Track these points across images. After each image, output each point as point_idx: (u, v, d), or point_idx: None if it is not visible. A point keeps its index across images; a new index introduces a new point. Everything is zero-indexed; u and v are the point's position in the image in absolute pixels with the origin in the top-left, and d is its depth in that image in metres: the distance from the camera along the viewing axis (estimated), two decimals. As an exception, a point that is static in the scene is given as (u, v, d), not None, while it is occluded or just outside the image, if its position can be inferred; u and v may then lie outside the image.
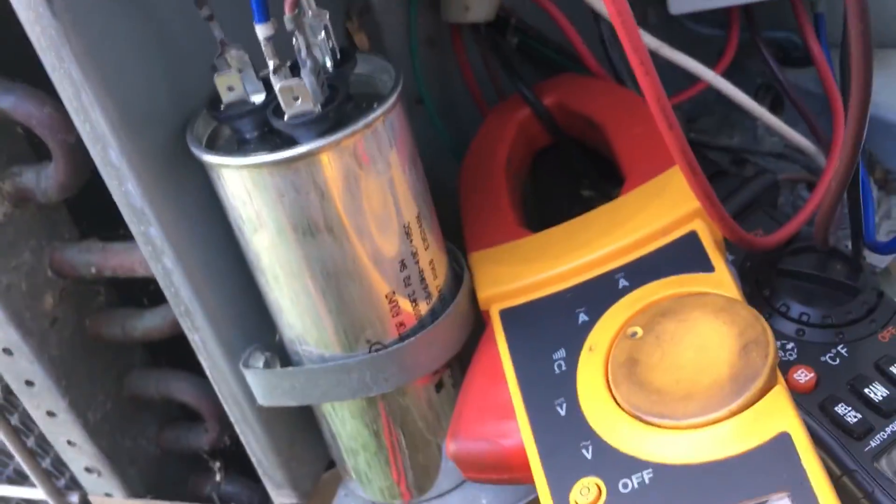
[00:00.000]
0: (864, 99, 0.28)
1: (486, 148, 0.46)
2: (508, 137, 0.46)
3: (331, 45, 0.34)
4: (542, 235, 0.39)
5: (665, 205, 0.37)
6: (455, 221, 0.44)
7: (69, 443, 0.44)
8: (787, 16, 0.50)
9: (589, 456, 0.30)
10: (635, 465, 0.29)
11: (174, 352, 0.46)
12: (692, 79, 0.48)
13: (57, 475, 0.48)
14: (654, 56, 0.45)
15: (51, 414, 0.43)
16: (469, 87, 0.51)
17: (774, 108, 0.55)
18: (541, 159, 0.50)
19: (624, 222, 0.37)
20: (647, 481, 0.28)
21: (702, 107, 0.58)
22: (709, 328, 0.31)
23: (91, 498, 0.47)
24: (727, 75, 0.51)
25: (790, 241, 0.40)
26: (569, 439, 0.31)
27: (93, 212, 0.42)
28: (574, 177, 0.52)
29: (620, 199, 0.39)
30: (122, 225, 0.38)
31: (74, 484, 0.48)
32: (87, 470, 0.46)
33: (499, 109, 0.49)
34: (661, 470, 0.28)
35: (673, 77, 0.46)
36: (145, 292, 0.42)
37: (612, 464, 0.30)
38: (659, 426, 0.30)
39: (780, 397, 0.29)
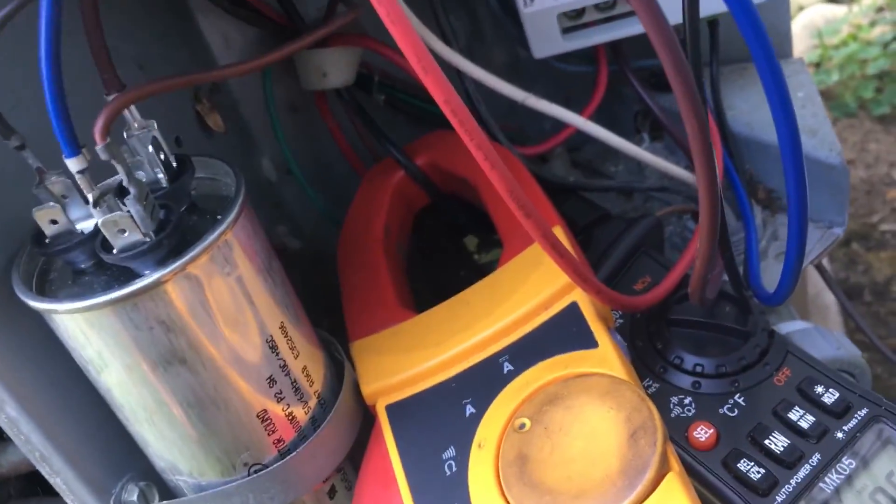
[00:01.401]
0: (711, 178, 0.27)
1: (362, 220, 0.44)
2: (384, 205, 0.44)
3: (162, 158, 0.31)
4: (424, 317, 0.38)
5: (543, 276, 0.35)
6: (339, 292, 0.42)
7: None
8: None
9: (487, 570, 0.29)
10: (532, 581, 0.27)
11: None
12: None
13: None
14: (523, 106, 0.44)
15: (-83, 571, 0.39)
16: (342, 151, 0.49)
17: (654, 133, 0.54)
18: (420, 217, 0.48)
19: (504, 299, 0.35)
20: None
21: (582, 136, 0.57)
22: (596, 415, 0.30)
23: None
24: (604, 106, 0.50)
25: (677, 289, 0.39)
26: (465, 552, 0.30)
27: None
28: (456, 228, 0.51)
29: (500, 272, 0.37)
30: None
31: None
32: None
33: (371, 175, 0.47)
34: (559, 586, 0.27)
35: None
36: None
37: (510, 579, 0.28)
38: (553, 532, 0.28)
39: (673, 485, 0.28)
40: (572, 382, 0.32)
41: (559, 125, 0.48)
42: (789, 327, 0.42)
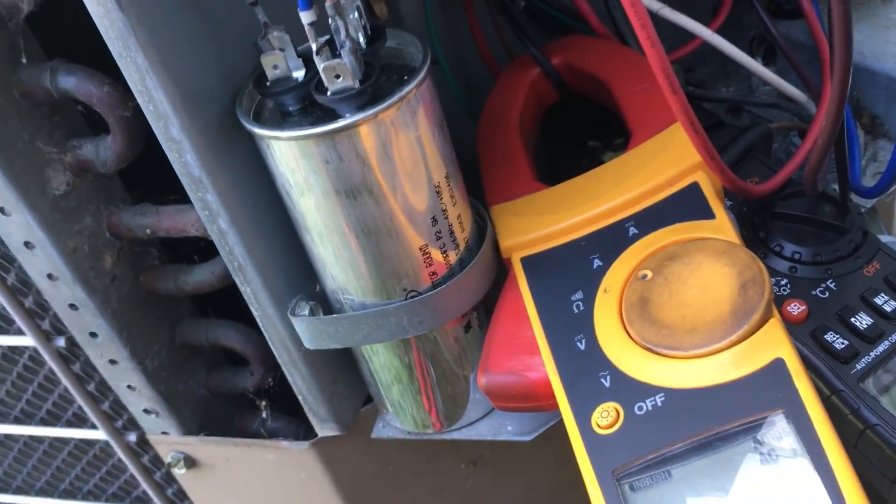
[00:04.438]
0: (846, 60, 0.32)
1: (500, 107, 0.50)
2: (520, 96, 0.50)
3: (363, 23, 0.37)
4: (557, 189, 0.43)
5: (669, 159, 0.40)
6: (469, 174, 0.48)
7: (129, 387, 0.49)
8: (779, -30, 0.53)
9: (607, 384, 0.35)
10: (649, 390, 0.33)
11: (220, 303, 0.50)
12: (688, 33, 0.51)
13: (115, 417, 0.53)
14: (654, 16, 0.49)
15: (113, 362, 0.47)
16: (479, 48, 0.54)
17: (767, 59, 0.58)
18: (549, 114, 0.54)
19: (632, 175, 0.41)
20: (659, 404, 0.33)
21: (698, 57, 0.61)
22: (711, 269, 0.35)
23: (148, 436, 0.52)
24: (722, 29, 0.54)
25: (783, 187, 0.44)
26: (588, 370, 0.36)
27: (142, 178, 0.45)
28: (580, 128, 0.56)
29: (627, 154, 0.42)
30: (170, 190, 0.42)
31: (132, 424, 0.53)
32: (146, 411, 0.50)
33: (510, 70, 0.52)
34: (671, 394, 0.33)
35: (668, 31, 0.50)
36: (194, 249, 0.46)
37: (628, 390, 0.34)
38: (668, 356, 0.34)
39: (774, 328, 0.33)
40: (691, 244, 0.37)
41: (678, 42, 0.52)
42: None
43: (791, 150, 0.53)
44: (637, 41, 0.50)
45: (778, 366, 0.32)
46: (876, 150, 0.52)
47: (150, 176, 0.43)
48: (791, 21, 0.55)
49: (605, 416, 0.34)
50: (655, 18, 0.49)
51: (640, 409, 0.33)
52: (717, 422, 0.32)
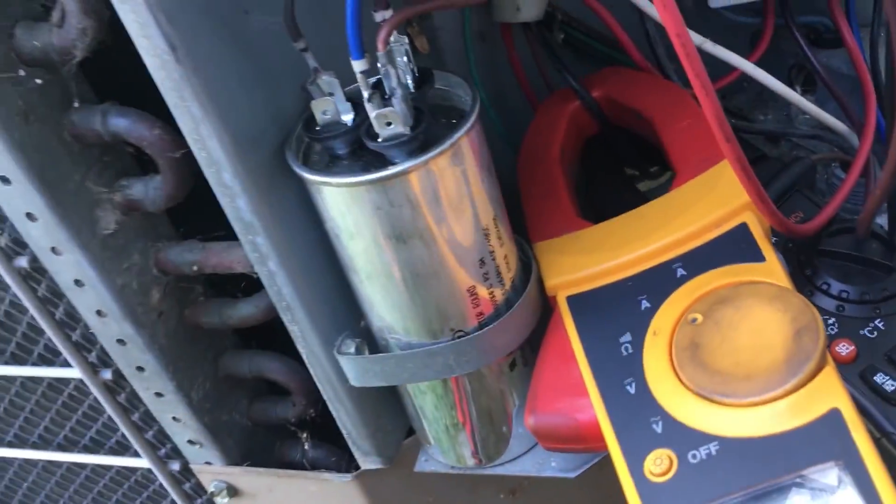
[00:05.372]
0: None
1: (541, 140, 0.50)
2: (561, 129, 0.50)
3: (412, 67, 0.37)
4: (602, 227, 0.43)
5: (717, 199, 0.40)
6: (509, 206, 0.48)
7: (174, 419, 0.49)
8: (819, 0, 0.53)
9: (659, 430, 0.35)
10: (702, 438, 0.33)
11: (262, 336, 0.51)
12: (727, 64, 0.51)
13: (158, 446, 0.53)
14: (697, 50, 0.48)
15: (159, 395, 0.48)
16: (519, 80, 0.55)
17: (806, 88, 0.58)
18: (587, 145, 0.54)
19: (679, 215, 0.41)
20: (714, 453, 0.33)
21: (735, 85, 0.61)
22: (763, 315, 0.35)
23: (192, 466, 0.53)
24: (760, 58, 0.54)
25: (829, 224, 0.44)
26: (639, 415, 0.36)
27: (188, 216, 0.46)
28: (618, 158, 0.56)
29: (674, 193, 0.42)
30: (215, 227, 0.42)
31: (175, 454, 0.53)
32: (190, 442, 0.51)
33: (549, 102, 0.52)
34: (726, 442, 0.33)
35: (706, 59, 0.50)
36: (237, 285, 0.47)
37: (682, 437, 0.34)
38: (722, 403, 0.34)
39: (830, 377, 0.33)
40: (742, 287, 0.37)
41: (717, 70, 0.52)
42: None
43: (832, 181, 0.52)
44: (678, 75, 0.51)
45: (834, 416, 0.32)
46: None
47: (194, 212, 0.44)
48: (830, 50, 0.55)
49: (659, 464, 0.34)
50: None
51: (694, 457, 0.33)
52: (773, 473, 0.31)
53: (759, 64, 0.54)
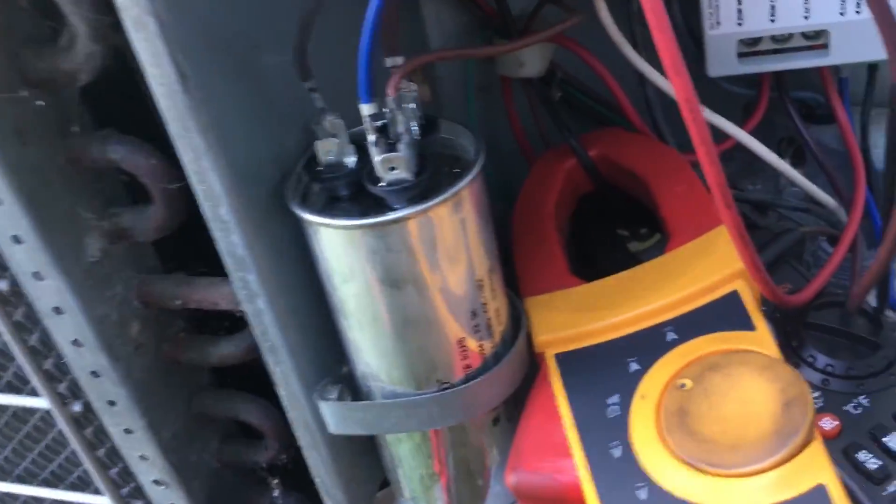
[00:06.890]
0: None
1: (536, 196, 0.50)
2: (557, 185, 0.50)
3: (418, 114, 0.37)
4: (594, 286, 0.43)
5: (710, 265, 0.40)
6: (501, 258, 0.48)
7: (142, 457, 0.48)
8: (813, 77, 0.54)
9: (643, 497, 0.34)
10: (688, 508, 0.33)
11: (237, 376, 0.50)
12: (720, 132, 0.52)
13: (121, 484, 0.51)
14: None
15: (128, 431, 0.46)
16: (516, 134, 0.55)
17: (795, 160, 0.59)
18: (580, 203, 0.54)
19: (672, 279, 0.41)
20: (699, 524, 0.32)
21: (725, 154, 0.62)
22: (753, 384, 0.35)
23: (155, 508, 0.51)
24: (754, 129, 0.55)
25: (816, 297, 0.44)
26: (624, 480, 0.35)
27: (173, 250, 0.45)
28: (610, 217, 0.56)
29: (667, 256, 0.42)
30: (197, 264, 0.41)
31: (138, 493, 0.51)
32: (156, 482, 0.49)
33: (546, 158, 0.52)
34: (712, 514, 0.32)
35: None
36: (219, 323, 0.46)
37: (667, 506, 0.33)
38: (709, 473, 0.33)
39: (817, 452, 0.33)
40: (732, 355, 0.37)
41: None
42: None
43: (819, 254, 0.53)
44: (674, 139, 0.51)
45: (820, 492, 0.32)
46: (904, 260, 0.52)
47: (179, 247, 0.43)
48: (821, 126, 0.56)
49: (643, 532, 0.33)
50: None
51: (680, 526, 0.33)
52: (760, 547, 0.31)
53: (752, 134, 0.55)
